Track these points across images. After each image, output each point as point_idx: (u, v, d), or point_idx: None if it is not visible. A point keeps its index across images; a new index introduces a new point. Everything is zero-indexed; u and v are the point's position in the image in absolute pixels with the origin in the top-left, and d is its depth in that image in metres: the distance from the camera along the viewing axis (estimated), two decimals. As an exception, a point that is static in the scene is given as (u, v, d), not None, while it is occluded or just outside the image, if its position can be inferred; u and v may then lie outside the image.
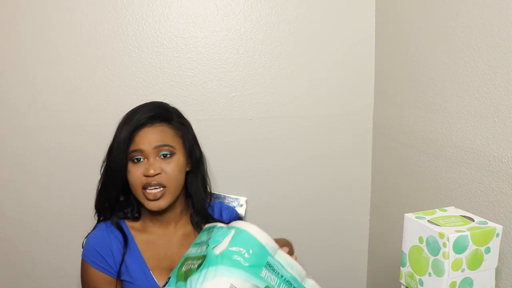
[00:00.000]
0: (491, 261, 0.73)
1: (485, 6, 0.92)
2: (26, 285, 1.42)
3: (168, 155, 0.97)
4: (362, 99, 1.46)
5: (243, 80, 1.39)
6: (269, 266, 0.81)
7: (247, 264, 0.77)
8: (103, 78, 1.33)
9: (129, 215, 1.04)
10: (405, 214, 0.78)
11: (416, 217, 0.76)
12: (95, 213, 1.04)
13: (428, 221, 0.74)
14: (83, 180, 1.38)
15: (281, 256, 0.84)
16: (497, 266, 0.74)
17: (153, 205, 0.97)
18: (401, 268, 0.79)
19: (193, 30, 1.35)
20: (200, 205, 1.07)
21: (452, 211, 0.79)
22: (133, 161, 0.96)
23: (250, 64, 1.39)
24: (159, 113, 0.99)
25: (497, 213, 0.92)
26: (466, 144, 1.00)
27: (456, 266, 0.69)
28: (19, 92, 1.31)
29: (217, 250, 0.78)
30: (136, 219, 1.05)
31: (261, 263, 0.79)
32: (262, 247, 0.81)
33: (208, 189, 1.10)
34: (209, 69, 1.37)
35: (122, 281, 1.00)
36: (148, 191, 0.96)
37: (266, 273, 0.79)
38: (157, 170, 0.95)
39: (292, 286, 0.83)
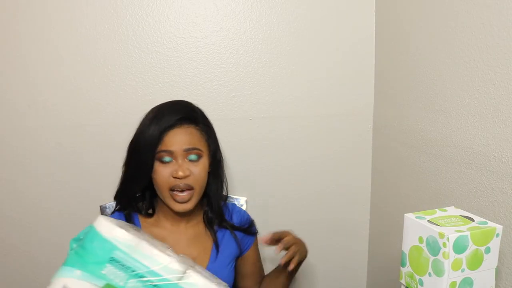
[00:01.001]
0: (491, 261, 0.73)
1: (485, 6, 0.92)
2: (26, 285, 1.42)
3: (196, 159, 0.97)
4: (362, 99, 1.46)
5: (243, 80, 1.39)
6: (116, 261, 0.77)
7: (87, 261, 0.75)
8: (103, 78, 1.33)
9: (143, 212, 1.05)
10: (405, 214, 0.78)
11: (416, 217, 0.76)
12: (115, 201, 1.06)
13: (428, 221, 0.74)
14: (83, 180, 1.38)
15: (140, 250, 0.78)
16: (497, 266, 0.74)
17: (179, 207, 0.97)
18: (401, 268, 0.79)
19: (193, 30, 1.35)
20: (217, 205, 1.07)
21: (452, 211, 0.79)
22: (161, 161, 0.96)
23: (250, 64, 1.39)
24: (188, 115, 0.99)
25: (497, 213, 0.92)
26: (466, 144, 1.00)
27: (456, 266, 0.69)
28: (19, 92, 1.31)
29: (72, 248, 0.79)
30: (149, 215, 1.06)
31: (103, 259, 0.76)
32: (105, 241, 0.77)
33: (225, 190, 1.10)
34: (209, 69, 1.37)
35: None
36: (176, 193, 0.96)
37: (110, 270, 0.76)
38: (186, 172, 0.95)
39: (149, 281, 0.77)
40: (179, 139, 0.95)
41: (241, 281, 1.15)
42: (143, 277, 0.77)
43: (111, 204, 1.22)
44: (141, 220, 1.05)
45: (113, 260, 0.77)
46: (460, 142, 1.03)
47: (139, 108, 1.34)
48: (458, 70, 1.02)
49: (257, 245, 1.16)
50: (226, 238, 1.08)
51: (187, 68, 1.36)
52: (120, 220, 0.89)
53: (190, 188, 0.96)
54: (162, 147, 0.95)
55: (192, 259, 0.91)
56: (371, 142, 1.50)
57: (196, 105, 1.05)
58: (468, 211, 0.80)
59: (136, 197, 1.05)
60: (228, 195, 1.13)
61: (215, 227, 1.08)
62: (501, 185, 0.90)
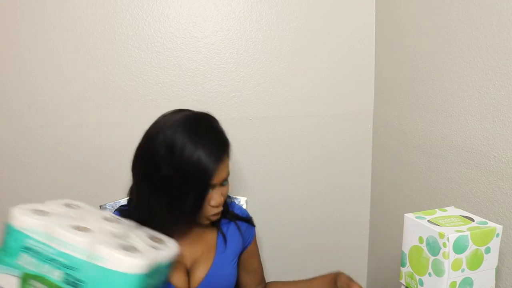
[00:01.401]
0: (491, 261, 0.73)
1: (485, 6, 0.92)
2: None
3: (227, 183, 0.98)
4: (362, 99, 1.46)
5: (243, 80, 1.39)
6: (29, 249, 0.78)
7: (4, 255, 0.77)
8: (103, 78, 1.33)
9: None
10: (405, 214, 0.78)
11: (416, 217, 0.76)
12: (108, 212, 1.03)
13: (428, 221, 0.74)
14: (83, 180, 1.38)
15: (50, 234, 0.79)
16: (497, 266, 0.74)
17: (208, 222, 0.99)
18: (401, 268, 0.79)
19: (193, 30, 1.35)
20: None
21: (452, 211, 0.79)
22: (212, 188, 0.94)
23: (250, 64, 1.39)
24: (222, 151, 0.95)
25: (497, 213, 0.92)
26: (466, 144, 1.00)
27: (456, 266, 0.69)
28: (19, 92, 1.31)
29: None
30: None
31: (16, 249, 0.78)
32: (16, 232, 0.79)
33: None
34: (209, 69, 1.37)
35: None
36: (213, 215, 0.96)
37: (24, 259, 0.77)
38: (222, 199, 0.96)
39: (59, 262, 0.78)
40: (223, 172, 0.94)
41: (245, 277, 1.15)
42: (54, 260, 0.78)
43: (111, 203, 1.22)
44: None
45: (26, 249, 0.78)
46: (460, 142, 1.03)
47: (139, 108, 1.36)
48: (458, 70, 1.02)
49: (256, 241, 1.17)
50: (231, 232, 1.08)
51: (187, 68, 1.36)
52: (50, 203, 0.90)
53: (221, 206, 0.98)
54: (213, 181, 0.92)
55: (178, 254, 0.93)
56: (371, 142, 1.50)
57: (213, 120, 1.01)
58: (468, 211, 0.80)
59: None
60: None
61: (221, 220, 1.08)
62: (501, 185, 0.90)
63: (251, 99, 1.41)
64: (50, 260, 0.78)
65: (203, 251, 1.04)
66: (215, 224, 1.07)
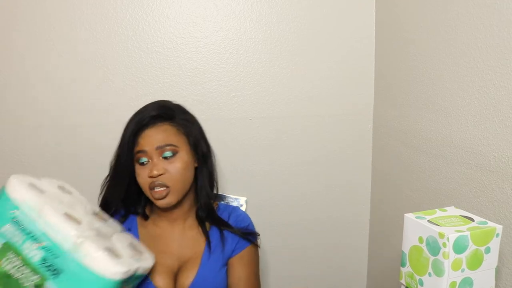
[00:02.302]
0: (491, 261, 0.73)
1: (485, 6, 0.92)
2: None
3: (171, 155, 0.97)
4: (362, 99, 1.46)
5: (243, 80, 1.39)
6: (16, 222, 0.79)
7: None
8: (103, 78, 1.33)
9: (139, 210, 1.06)
10: (405, 214, 0.78)
11: (416, 217, 0.76)
12: (99, 208, 1.04)
13: (428, 221, 0.74)
14: (83, 180, 1.38)
15: (42, 215, 0.80)
16: (497, 266, 0.74)
17: (161, 203, 0.98)
18: (401, 268, 0.79)
19: (193, 30, 1.35)
20: (203, 200, 1.05)
21: (452, 211, 0.79)
22: (139, 163, 0.98)
23: (250, 64, 1.39)
24: (162, 112, 0.99)
25: (497, 213, 0.92)
26: (466, 144, 1.00)
27: (456, 266, 0.69)
28: (19, 92, 1.31)
29: None
30: (146, 217, 1.07)
31: (4, 217, 0.78)
32: (8, 200, 0.79)
33: (215, 185, 1.10)
34: (209, 69, 1.37)
35: None
36: (154, 191, 0.97)
37: (9, 229, 0.78)
38: (160, 170, 0.95)
39: (45, 245, 0.78)
40: (152, 138, 0.96)
41: (230, 282, 1.05)
42: (37, 239, 0.78)
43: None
44: (139, 221, 1.06)
45: (13, 220, 0.78)
46: (460, 142, 1.03)
47: (139, 108, 1.35)
48: (458, 70, 1.02)
49: (251, 260, 1.07)
50: (217, 239, 1.04)
51: (187, 68, 1.36)
52: (46, 181, 0.90)
53: (166, 186, 0.96)
54: (137, 148, 0.97)
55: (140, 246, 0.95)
56: (371, 142, 1.50)
57: (176, 102, 1.06)
58: (468, 211, 0.80)
59: (133, 199, 1.05)
60: (225, 195, 1.13)
61: (209, 226, 1.06)
62: (501, 185, 0.90)
63: (251, 99, 1.41)
64: (33, 239, 0.78)
65: (190, 257, 1.03)
66: (202, 229, 1.05)
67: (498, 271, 0.76)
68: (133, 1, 1.31)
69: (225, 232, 1.05)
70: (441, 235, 0.69)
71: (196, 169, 1.04)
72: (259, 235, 1.10)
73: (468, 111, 0.99)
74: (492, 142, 0.92)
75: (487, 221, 0.74)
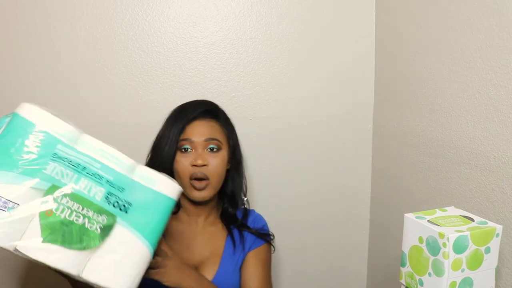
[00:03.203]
0: (491, 261, 0.73)
1: (485, 6, 0.92)
2: (26, 285, 1.42)
3: (215, 149, 1.01)
4: (362, 99, 1.46)
5: (243, 80, 1.39)
6: (59, 158, 0.65)
7: (17, 160, 0.62)
8: (103, 78, 1.33)
9: None
10: (405, 214, 0.78)
11: (416, 217, 0.76)
12: None
13: (428, 221, 0.74)
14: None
15: (86, 142, 0.68)
16: (497, 266, 0.74)
17: (197, 195, 1.00)
18: (401, 268, 0.79)
19: (193, 30, 1.35)
20: (230, 204, 1.09)
21: (452, 211, 0.79)
22: (181, 150, 1.00)
23: (250, 64, 1.39)
24: (210, 109, 1.06)
25: (497, 213, 0.92)
26: (466, 144, 1.00)
27: (456, 266, 0.69)
28: (19, 92, 1.31)
29: None
30: (174, 213, 1.07)
31: (43, 155, 0.63)
32: (47, 134, 0.64)
33: (244, 191, 1.13)
34: (209, 69, 1.37)
35: None
36: (195, 181, 1.00)
37: (54, 168, 0.64)
38: (204, 161, 0.99)
39: (105, 179, 0.67)
40: (200, 130, 1.01)
41: (242, 278, 1.07)
42: (96, 175, 0.67)
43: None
44: None
45: (56, 157, 0.64)
46: (460, 142, 1.03)
47: (139, 108, 1.35)
48: (458, 70, 1.02)
49: (266, 257, 1.10)
50: (238, 238, 1.08)
51: (187, 68, 1.36)
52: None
53: (206, 178, 1.00)
54: (183, 136, 1.00)
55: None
56: (371, 142, 1.50)
57: (221, 107, 1.12)
58: (468, 211, 0.80)
59: None
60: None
61: (231, 227, 1.09)
62: (501, 185, 0.90)
63: (251, 99, 1.41)
64: (91, 175, 0.66)
65: (210, 254, 1.04)
66: (227, 227, 1.08)
67: (498, 271, 0.76)
68: (133, 1, 1.31)
69: (244, 233, 1.09)
70: (441, 235, 0.69)
71: (226, 172, 1.07)
72: (273, 236, 1.13)
73: (468, 111, 0.99)
74: (492, 142, 0.92)
75: (487, 221, 0.74)
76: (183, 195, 1.02)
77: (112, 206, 0.67)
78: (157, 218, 0.72)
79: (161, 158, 1.01)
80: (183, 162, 1.00)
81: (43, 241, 0.62)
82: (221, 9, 1.35)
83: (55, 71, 1.31)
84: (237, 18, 1.36)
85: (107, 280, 0.67)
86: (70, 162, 0.66)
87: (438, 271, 0.70)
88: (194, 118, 1.02)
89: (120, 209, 0.68)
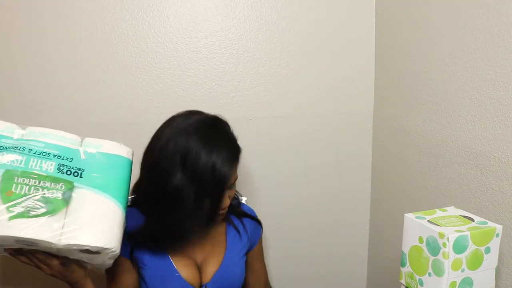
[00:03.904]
0: (491, 261, 0.73)
1: (485, 6, 0.92)
2: (26, 285, 1.42)
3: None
4: (362, 99, 1.46)
5: (243, 80, 1.39)
6: (5, 148, 0.77)
7: None
8: (103, 78, 1.33)
9: None
10: (405, 214, 0.78)
11: (416, 217, 0.76)
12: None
13: (428, 221, 0.74)
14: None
15: (30, 132, 0.81)
16: (497, 266, 0.74)
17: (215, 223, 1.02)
18: (401, 268, 0.79)
19: (193, 30, 1.35)
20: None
21: (452, 211, 0.79)
22: (230, 188, 0.98)
23: (250, 64, 1.39)
24: (235, 158, 0.97)
25: (497, 213, 0.92)
26: (466, 144, 1.00)
27: (456, 266, 0.69)
28: (18, 92, 1.31)
29: None
30: None
31: None
32: None
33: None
34: (209, 69, 1.37)
35: (138, 267, 1.01)
36: (220, 216, 0.99)
37: (3, 156, 0.75)
38: (230, 198, 1.00)
39: (52, 154, 0.78)
40: (233, 177, 0.96)
41: (250, 277, 1.16)
42: (42, 152, 0.78)
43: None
44: None
45: (2, 148, 0.77)
46: (460, 142, 1.03)
47: (139, 109, 1.36)
48: (458, 70, 1.02)
49: (262, 242, 1.19)
50: (239, 224, 1.11)
51: (187, 68, 1.36)
52: None
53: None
54: (229, 183, 0.94)
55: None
56: (371, 142, 1.50)
57: (224, 124, 1.01)
58: (468, 211, 0.80)
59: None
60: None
61: (230, 216, 1.11)
62: (501, 185, 0.90)
63: (251, 99, 1.41)
64: (38, 154, 0.77)
65: (213, 247, 1.05)
66: (227, 220, 1.09)
67: (498, 271, 0.76)
68: (133, 1, 1.30)
69: (245, 221, 1.11)
70: (441, 235, 0.69)
71: None
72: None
73: (468, 111, 0.99)
74: (492, 142, 0.92)
75: (487, 221, 0.74)
76: None
77: (66, 174, 0.77)
78: (112, 175, 0.81)
79: (201, 213, 0.92)
80: (226, 199, 0.97)
81: (10, 219, 0.70)
82: (221, 9, 1.35)
83: (55, 71, 1.31)
84: (237, 18, 1.36)
85: (85, 239, 0.74)
86: (16, 148, 0.76)
87: (438, 271, 0.70)
88: (229, 172, 0.92)
89: (75, 175, 0.78)
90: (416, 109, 1.20)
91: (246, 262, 1.12)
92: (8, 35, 1.28)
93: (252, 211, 1.18)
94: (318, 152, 1.47)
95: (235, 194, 1.13)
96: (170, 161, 0.88)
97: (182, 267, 1.00)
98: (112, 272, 1.01)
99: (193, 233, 0.98)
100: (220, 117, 1.01)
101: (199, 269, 1.03)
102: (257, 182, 1.46)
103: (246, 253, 1.12)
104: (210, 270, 1.02)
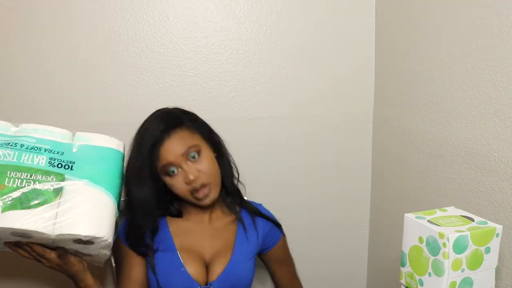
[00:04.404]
0: (491, 261, 0.73)
1: (485, 6, 0.92)
2: (26, 284, 1.42)
3: (196, 155, 0.99)
4: (362, 99, 1.46)
5: (243, 80, 1.39)
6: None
7: None
8: (103, 78, 1.33)
9: (174, 212, 1.08)
10: (405, 214, 0.78)
11: (416, 217, 0.76)
12: (127, 243, 1.04)
13: (428, 221, 0.74)
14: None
15: (22, 128, 0.84)
16: (497, 266, 0.74)
17: (205, 202, 1.00)
18: (401, 268, 0.79)
19: (193, 30, 1.35)
20: (230, 183, 1.10)
21: (452, 211, 0.79)
22: (168, 175, 0.98)
23: (250, 64, 1.39)
24: (170, 123, 1.00)
25: (497, 213, 0.92)
26: (466, 144, 1.00)
27: (456, 266, 0.69)
28: (19, 92, 1.31)
29: None
30: (180, 215, 1.09)
31: None
32: None
33: (234, 167, 1.13)
34: (209, 69, 1.37)
35: (146, 261, 1.04)
36: (198, 192, 0.99)
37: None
38: (194, 173, 0.97)
39: (43, 149, 0.81)
40: (171, 147, 0.96)
41: (273, 278, 1.20)
42: (33, 147, 0.80)
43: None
44: (168, 219, 1.08)
45: None
46: (460, 142, 1.03)
47: (139, 109, 1.35)
48: (458, 70, 1.02)
49: (286, 249, 1.20)
50: (250, 223, 1.11)
51: (187, 68, 1.36)
52: None
53: (206, 184, 0.99)
54: (161, 162, 0.97)
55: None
56: (371, 142, 1.50)
57: (172, 107, 1.07)
58: (468, 211, 0.80)
59: (165, 200, 1.06)
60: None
61: (239, 209, 1.11)
62: (501, 185, 0.90)
63: (251, 99, 1.41)
64: (29, 149, 0.80)
65: (222, 245, 1.06)
66: (233, 212, 1.10)
67: (498, 271, 0.76)
68: (133, 1, 1.30)
69: (256, 219, 1.12)
70: (441, 235, 0.69)
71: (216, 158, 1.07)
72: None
73: (468, 111, 0.99)
74: (492, 142, 0.92)
75: (487, 221, 0.74)
76: (184, 201, 1.03)
77: (57, 167, 0.80)
78: (102, 167, 0.84)
79: (146, 197, 0.99)
80: (176, 185, 0.98)
81: (3, 210, 0.73)
82: (221, 9, 1.35)
83: (55, 71, 1.31)
84: (237, 18, 1.36)
85: (77, 229, 0.77)
86: (9, 144, 0.79)
87: (438, 271, 0.70)
88: (160, 141, 0.96)
89: (65, 168, 0.80)
90: (416, 109, 1.20)
91: (269, 262, 1.15)
92: (8, 35, 1.28)
93: (269, 213, 1.18)
94: (318, 152, 1.47)
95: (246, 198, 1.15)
96: (132, 147, 1.02)
97: (189, 263, 1.01)
98: (122, 267, 1.04)
99: (147, 221, 1.01)
100: (179, 107, 1.08)
101: (207, 267, 1.04)
102: (257, 182, 1.46)
103: (259, 254, 1.13)
104: (217, 269, 1.03)
